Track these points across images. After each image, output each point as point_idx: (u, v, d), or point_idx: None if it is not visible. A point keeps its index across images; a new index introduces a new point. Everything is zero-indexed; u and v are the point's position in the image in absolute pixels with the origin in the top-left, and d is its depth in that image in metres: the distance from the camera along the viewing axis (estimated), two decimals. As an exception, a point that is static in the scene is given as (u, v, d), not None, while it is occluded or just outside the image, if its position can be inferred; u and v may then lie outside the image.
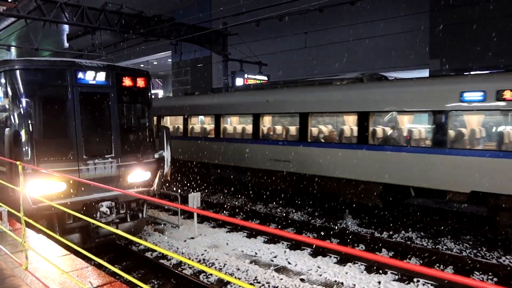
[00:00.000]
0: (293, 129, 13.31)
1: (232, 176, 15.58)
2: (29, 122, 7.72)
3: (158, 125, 17.59)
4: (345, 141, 11.82)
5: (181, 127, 17.40)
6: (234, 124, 15.98)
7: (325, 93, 12.17)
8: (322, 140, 12.42)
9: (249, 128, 14.41)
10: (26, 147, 7.57)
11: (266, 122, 14.36)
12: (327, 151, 11.79)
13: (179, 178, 17.14)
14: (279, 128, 14.20)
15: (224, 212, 13.21)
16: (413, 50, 19.21)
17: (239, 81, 20.70)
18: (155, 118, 18.28)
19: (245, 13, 17.11)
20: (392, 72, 20.78)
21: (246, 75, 21.04)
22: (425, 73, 18.53)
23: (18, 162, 4.84)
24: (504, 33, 15.78)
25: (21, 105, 7.70)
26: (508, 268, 8.04)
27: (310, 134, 12.31)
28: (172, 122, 18.77)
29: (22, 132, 7.57)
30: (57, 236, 4.93)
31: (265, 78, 22.03)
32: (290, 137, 13.29)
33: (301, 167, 12.34)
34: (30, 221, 4.87)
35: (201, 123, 17.76)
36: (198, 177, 16.67)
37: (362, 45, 20.17)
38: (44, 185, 7.60)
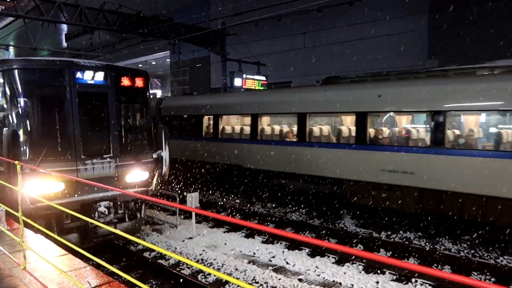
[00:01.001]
0: (419, 132, 10.74)
1: (315, 189, 12.59)
2: (27, 121, 7.72)
3: (218, 126, 15.23)
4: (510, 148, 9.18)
5: (247, 128, 14.52)
6: (322, 125, 13.05)
7: (474, 86, 9.38)
8: (465, 146, 9.73)
9: (346, 130, 11.96)
10: (24, 147, 7.57)
11: (376, 122, 11.76)
12: (477, 161, 8.97)
13: (246, 194, 14.86)
14: (396, 130, 11.53)
15: (223, 211, 13.20)
16: (411, 50, 19.24)
17: (237, 81, 20.69)
18: (206, 118, 16.01)
19: (244, 13, 17.11)
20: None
21: (244, 75, 21.03)
22: (423, 73, 18.56)
23: (16, 162, 4.83)
24: (502, 33, 15.83)
25: (19, 105, 7.68)
26: (506, 268, 8.07)
27: (447, 137, 9.74)
28: (230, 122, 15.95)
29: (20, 132, 7.56)
30: (55, 236, 4.92)
31: (264, 78, 22.04)
32: (413, 142, 10.59)
33: (435, 181, 9.70)
34: (28, 220, 4.86)
35: (274, 124, 14.69)
36: (258, 189, 14.29)
37: (360, 45, 20.20)
38: (42, 184, 7.59)
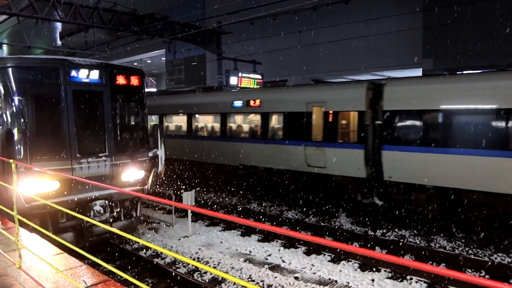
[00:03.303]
0: None
1: None
2: (22, 120, 7.66)
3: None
4: None
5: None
6: None
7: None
8: None
9: None
10: (19, 146, 7.52)
11: None
12: None
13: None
14: None
15: (218, 210, 13.19)
16: (406, 50, 19.31)
17: (233, 80, 20.68)
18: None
19: (239, 12, 17.09)
20: (385, 71, 20.98)
21: (240, 74, 21.03)
22: (418, 72, 18.65)
23: (11, 161, 4.80)
24: (497, 33, 15.92)
25: (13, 104, 7.63)
26: (500, 265, 8.13)
27: None
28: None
29: (15, 131, 7.51)
30: (51, 235, 4.90)
31: (259, 76, 22.04)
32: None
33: None
34: (24, 219, 4.84)
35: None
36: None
37: (356, 44, 20.26)
38: (37, 183, 7.55)
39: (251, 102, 14.09)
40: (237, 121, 15.52)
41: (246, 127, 15.06)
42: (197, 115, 16.68)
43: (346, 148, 11.63)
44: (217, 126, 15.58)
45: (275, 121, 13.76)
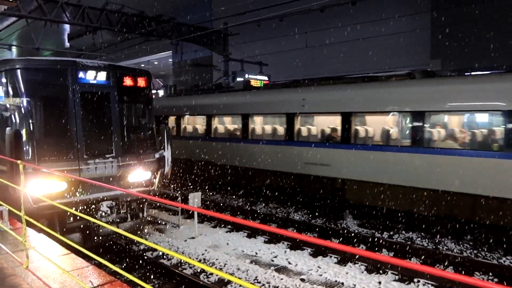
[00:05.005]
0: None
1: None
2: (30, 121, 7.73)
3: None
4: None
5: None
6: None
7: None
8: None
9: None
10: (27, 147, 7.58)
11: None
12: None
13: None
14: None
15: (225, 211, 13.20)
16: (414, 50, 19.21)
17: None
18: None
19: (246, 13, 17.13)
20: (392, 72, 20.86)
21: (247, 75, 21.05)
22: (426, 73, 18.52)
23: (19, 161, 4.85)
24: (506, 33, 15.78)
25: (22, 105, 7.70)
26: (509, 269, 8.03)
27: None
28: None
29: (23, 132, 7.58)
30: (58, 235, 4.93)
31: (266, 78, 22.05)
32: None
33: None
34: (31, 220, 4.87)
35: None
36: None
37: (363, 45, 20.18)
38: (45, 184, 7.60)
39: None
40: None
41: None
42: (438, 115, 10.60)
43: None
44: (466, 133, 10.21)
45: None
